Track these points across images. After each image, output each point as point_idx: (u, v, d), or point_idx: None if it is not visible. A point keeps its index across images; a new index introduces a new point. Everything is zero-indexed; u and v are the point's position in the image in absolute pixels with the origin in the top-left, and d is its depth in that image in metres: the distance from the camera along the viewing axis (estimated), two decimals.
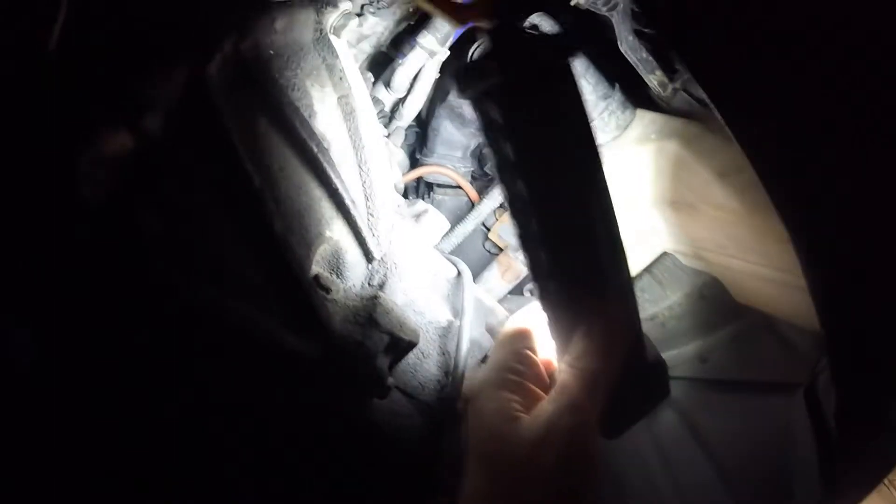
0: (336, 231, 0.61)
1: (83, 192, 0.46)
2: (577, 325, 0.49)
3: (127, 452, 0.50)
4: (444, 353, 0.67)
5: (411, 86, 0.94)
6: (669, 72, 0.83)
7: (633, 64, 0.82)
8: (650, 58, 0.81)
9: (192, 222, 0.50)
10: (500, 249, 1.01)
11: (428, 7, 0.46)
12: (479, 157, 1.09)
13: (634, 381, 0.51)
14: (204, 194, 0.51)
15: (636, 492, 0.76)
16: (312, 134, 0.57)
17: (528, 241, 0.48)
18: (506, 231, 0.99)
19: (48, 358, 0.47)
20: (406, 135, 1.08)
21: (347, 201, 0.60)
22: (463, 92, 0.46)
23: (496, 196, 0.97)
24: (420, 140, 1.07)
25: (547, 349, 0.53)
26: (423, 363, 0.65)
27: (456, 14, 0.44)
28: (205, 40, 0.51)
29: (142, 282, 0.47)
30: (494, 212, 1.00)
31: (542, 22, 0.79)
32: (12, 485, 0.47)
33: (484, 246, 1.05)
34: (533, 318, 0.55)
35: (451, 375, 0.64)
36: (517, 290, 1.02)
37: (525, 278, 0.99)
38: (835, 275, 0.54)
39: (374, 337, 0.58)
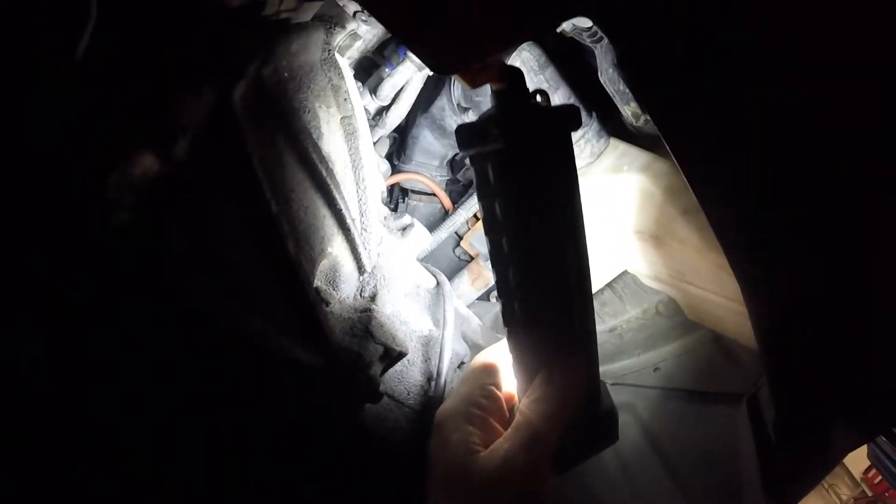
0: (336, 247, 0.65)
1: (110, 215, 0.48)
2: (540, 370, 0.52)
3: (141, 466, 0.53)
4: (427, 361, 0.72)
5: (396, 95, 0.98)
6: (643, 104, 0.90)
7: (610, 94, 0.88)
8: (626, 90, 0.88)
9: (214, 243, 0.53)
10: (471, 257, 1.06)
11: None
12: (452, 166, 1.14)
13: (587, 426, 0.55)
14: (224, 216, 0.54)
15: (596, 492, 0.83)
16: (322, 156, 0.61)
17: (503, 291, 0.51)
18: (477, 240, 1.04)
19: (63, 376, 0.48)
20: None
21: (349, 220, 0.64)
22: (463, 148, 0.48)
23: (470, 206, 1.01)
24: (398, 146, 1.11)
25: (509, 385, 0.58)
26: (409, 370, 0.70)
27: (470, 75, 0.45)
28: (231, 65, 0.53)
29: (166, 298, 0.50)
30: (467, 221, 1.05)
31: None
32: (17, 485, 0.48)
33: (454, 252, 1.10)
34: (499, 356, 0.60)
35: (435, 382, 0.69)
36: (484, 297, 1.08)
37: (493, 286, 1.05)
38: (772, 307, 0.61)
39: (370, 348, 0.63)
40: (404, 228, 0.80)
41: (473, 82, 0.45)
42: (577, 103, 0.88)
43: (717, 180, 0.55)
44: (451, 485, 0.51)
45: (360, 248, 0.67)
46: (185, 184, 0.52)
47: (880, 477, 4.06)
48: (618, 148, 0.86)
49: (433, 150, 1.06)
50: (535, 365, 0.53)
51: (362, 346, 0.62)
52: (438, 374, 0.70)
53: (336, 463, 0.61)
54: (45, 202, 0.47)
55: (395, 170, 1.08)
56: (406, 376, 0.69)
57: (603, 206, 0.83)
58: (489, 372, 0.58)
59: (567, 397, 0.51)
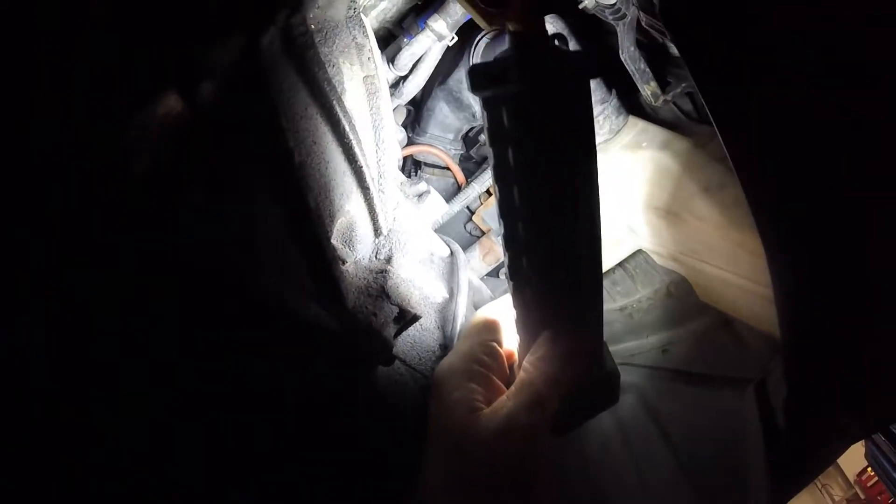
0: (354, 205, 0.64)
1: (129, 160, 0.46)
2: (544, 328, 0.51)
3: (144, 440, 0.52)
4: (439, 328, 0.71)
5: (414, 65, 0.97)
6: (663, 84, 0.89)
7: (630, 73, 0.87)
8: (647, 69, 0.87)
9: (232, 195, 0.52)
10: (482, 232, 1.06)
11: (462, 4, 0.44)
12: (466, 141, 1.13)
13: (588, 387, 0.53)
14: (244, 166, 0.53)
15: (601, 471, 0.82)
16: (345, 111, 0.60)
17: (511, 244, 0.49)
18: (489, 215, 1.03)
19: (65, 357, 0.47)
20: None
21: (368, 178, 0.63)
22: (476, 90, 0.44)
23: (483, 181, 1.01)
24: (413, 118, 1.10)
25: (511, 341, 0.56)
26: (422, 336, 0.69)
27: (488, 16, 0.44)
28: (261, 12, 0.52)
29: (177, 257, 0.48)
30: (479, 196, 1.04)
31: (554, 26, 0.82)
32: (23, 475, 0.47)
33: (465, 227, 1.09)
34: (501, 311, 0.58)
35: (448, 349, 0.69)
36: (493, 273, 1.08)
37: (503, 263, 1.04)
38: (799, 289, 0.61)
39: (385, 308, 0.62)
40: (420, 195, 0.79)
41: (490, 21, 0.43)
42: (599, 81, 0.87)
43: (762, 159, 0.54)
44: (451, 442, 0.50)
45: (378, 209, 0.67)
46: (206, 128, 0.51)
47: (873, 480, 4.11)
48: (637, 125, 0.86)
49: (448, 124, 1.05)
50: (540, 322, 0.51)
51: (377, 306, 0.61)
52: (451, 339, 0.69)
53: (347, 429, 0.61)
54: (58, 147, 0.45)
55: (409, 142, 1.07)
56: (419, 341, 0.69)
57: (620, 183, 0.82)
58: (491, 328, 0.57)
59: (572, 357, 0.50)
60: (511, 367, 0.56)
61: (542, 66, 0.42)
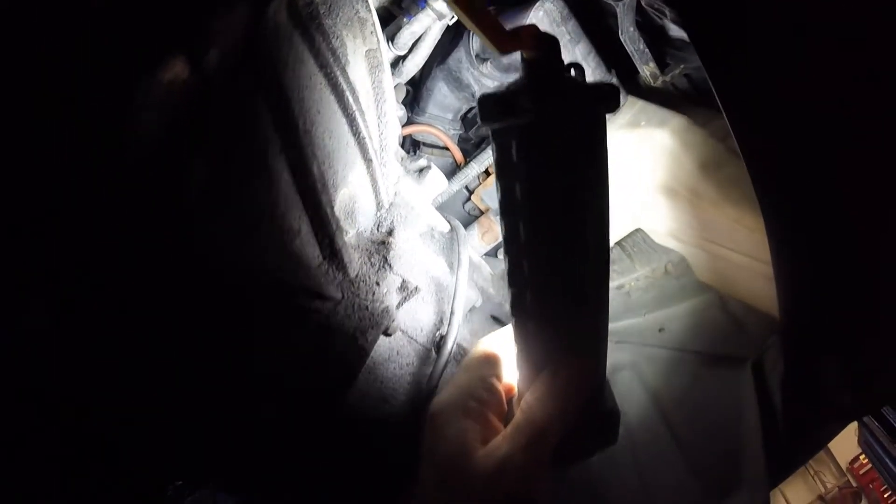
0: (356, 176, 0.64)
1: (134, 128, 0.46)
2: (546, 365, 0.50)
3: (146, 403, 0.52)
4: (440, 301, 0.72)
5: (414, 45, 0.97)
6: (661, 65, 0.90)
7: (629, 53, 0.88)
8: (646, 49, 0.88)
9: (235, 163, 0.52)
10: (481, 211, 1.06)
11: (472, 27, 0.41)
12: (465, 121, 1.13)
13: (587, 426, 0.52)
14: (248, 134, 0.53)
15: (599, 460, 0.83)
16: (349, 81, 0.60)
17: (515, 279, 0.47)
18: (488, 195, 1.04)
19: (63, 327, 0.47)
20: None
21: (371, 149, 0.64)
22: (486, 120, 0.42)
23: (482, 161, 1.01)
24: (412, 98, 1.10)
25: (510, 375, 0.55)
26: (423, 308, 0.70)
27: (500, 40, 0.40)
28: None
29: (182, 233, 0.49)
30: (478, 176, 1.04)
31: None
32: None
33: (464, 207, 1.10)
34: (501, 345, 0.57)
35: (449, 322, 0.69)
36: (492, 252, 1.08)
37: (501, 242, 1.05)
38: (801, 272, 0.62)
39: (387, 278, 0.63)
40: (420, 171, 0.79)
41: (503, 47, 0.40)
42: (597, 57, 0.88)
43: (767, 140, 0.54)
44: (444, 481, 0.49)
45: (380, 182, 0.67)
46: (211, 95, 0.51)
47: (866, 467, 4.16)
48: (635, 104, 0.86)
49: (447, 103, 1.05)
50: (541, 359, 0.50)
51: (380, 275, 0.62)
52: (452, 313, 0.70)
53: (346, 410, 0.62)
54: (60, 134, 0.45)
55: (408, 121, 1.08)
56: (420, 314, 0.70)
57: (619, 163, 0.83)
58: (490, 362, 0.56)
59: (572, 398, 0.49)
60: (509, 401, 0.55)
61: (556, 97, 0.40)
